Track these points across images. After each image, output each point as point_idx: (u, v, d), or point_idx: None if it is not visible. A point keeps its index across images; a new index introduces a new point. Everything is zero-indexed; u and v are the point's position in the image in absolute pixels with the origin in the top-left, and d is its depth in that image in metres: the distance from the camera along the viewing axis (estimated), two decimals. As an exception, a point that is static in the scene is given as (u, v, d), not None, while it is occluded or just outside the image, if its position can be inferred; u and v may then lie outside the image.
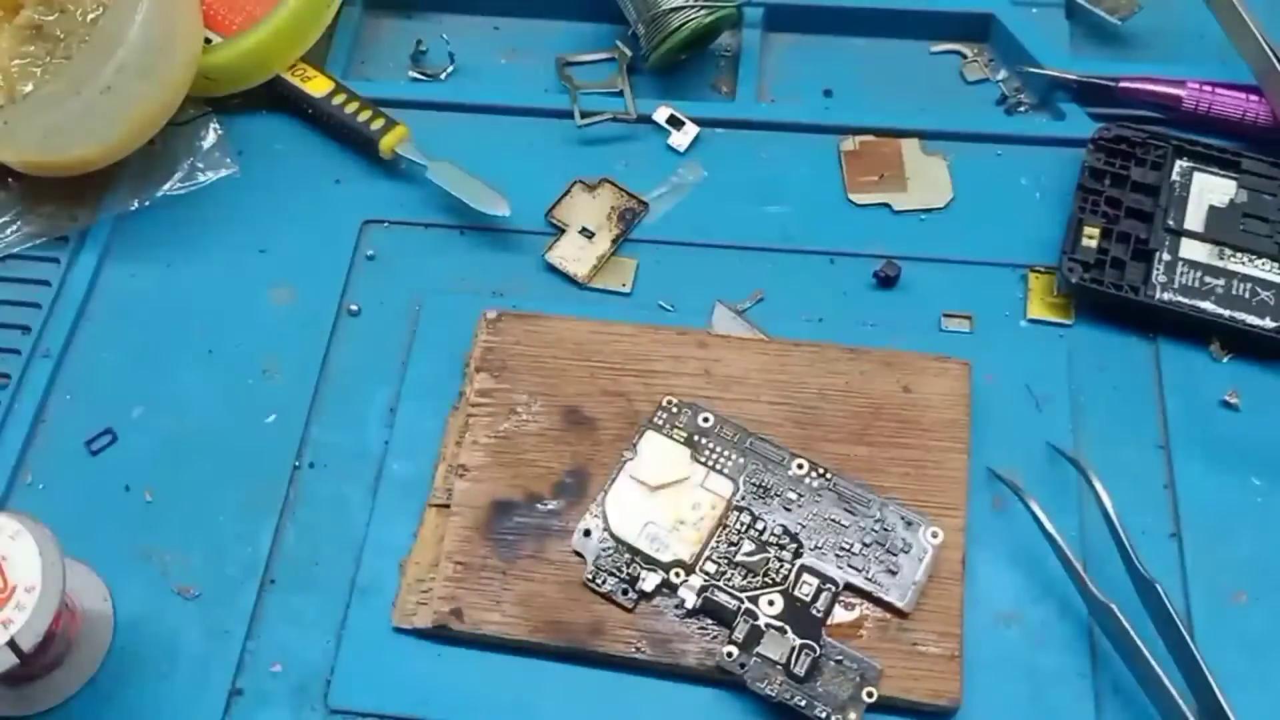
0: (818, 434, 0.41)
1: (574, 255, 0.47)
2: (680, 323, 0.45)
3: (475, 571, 0.39)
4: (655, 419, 0.40)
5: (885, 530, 0.38)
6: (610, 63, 0.52)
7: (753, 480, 0.39)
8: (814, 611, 0.37)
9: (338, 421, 0.44)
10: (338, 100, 0.50)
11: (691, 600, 0.38)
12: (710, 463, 0.40)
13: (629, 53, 0.51)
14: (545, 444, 0.41)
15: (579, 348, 0.43)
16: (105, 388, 0.45)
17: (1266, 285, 0.44)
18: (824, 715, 0.36)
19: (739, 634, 0.37)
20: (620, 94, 0.51)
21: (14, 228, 0.49)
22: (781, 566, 0.38)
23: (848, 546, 0.38)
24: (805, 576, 0.38)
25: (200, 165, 0.50)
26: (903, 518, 0.39)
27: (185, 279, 0.48)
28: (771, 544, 0.38)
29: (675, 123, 0.50)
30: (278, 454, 0.43)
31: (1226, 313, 0.43)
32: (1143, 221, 0.45)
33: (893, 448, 0.40)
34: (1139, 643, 0.35)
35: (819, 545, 0.38)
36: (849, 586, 0.38)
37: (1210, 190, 0.46)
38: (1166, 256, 0.44)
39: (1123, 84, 0.49)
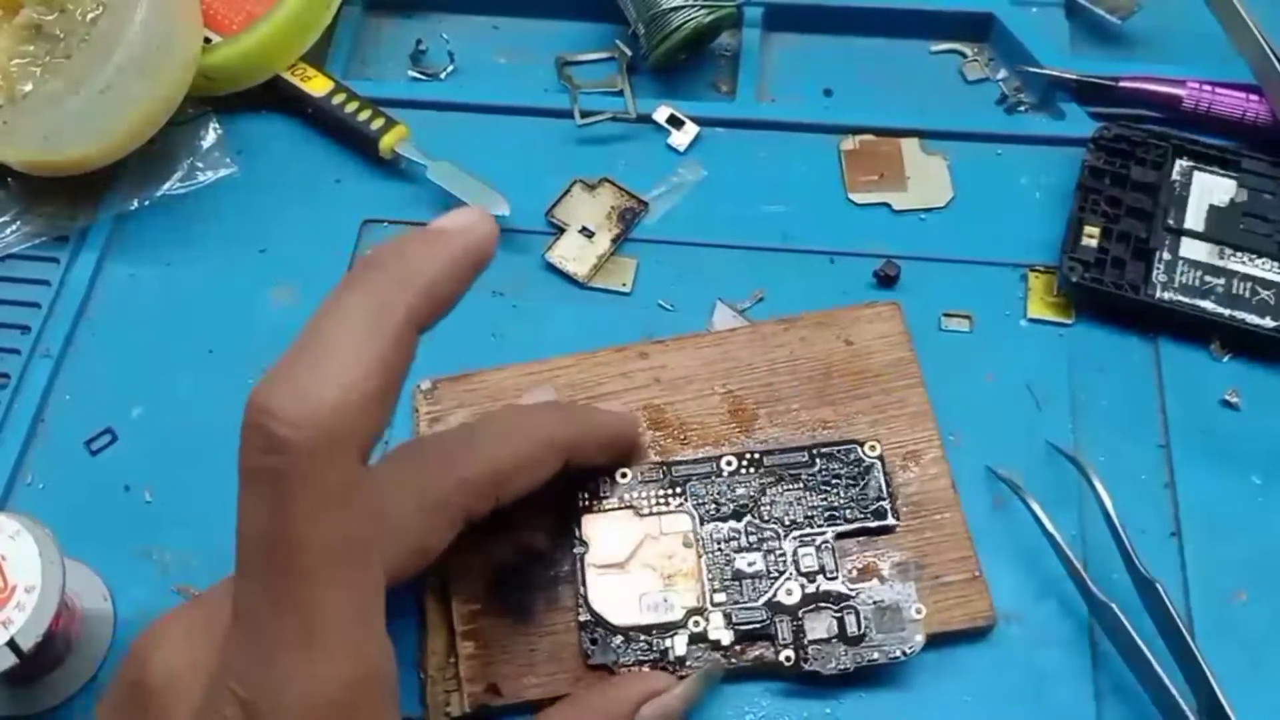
0: (780, 409, 0.41)
1: (574, 255, 0.47)
2: (681, 322, 0.45)
3: (495, 642, 0.38)
4: (580, 503, 0.39)
5: (831, 470, 0.39)
6: (610, 62, 0.52)
7: (700, 500, 0.39)
8: (828, 575, 0.38)
9: (338, 421, 0.44)
10: (337, 100, 0.50)
11: (726, 636, 0.37)
12: (654, 509, 0.39)
13: (629, 52, 0.51)
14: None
15: (524, 392, 0.42)
16: (105, 387, 0.45)
17: (1267, 284, 0.44)
18: (900, 654, 0.36)
19: (784, 636, 0.37)
20: (620, 93, 0.51)
21: (13, 227, 0.49)
22: (777, 556, 0.38)
23: (814, 504, 0.39)
24: (800, 551, 0.38)
25: (200, 165, 0.50)
26: (835, 453, 0.39)
27: (185, 279, 0.48)
28: (755, 543, 0.38)
29: (675, 122, 0.50)
30: (278, 454, 0.43)
31: (1227, 312, 0.43)
32: (1143, 221, 0.45)
33: (853, 400, 0.41)
34: (1139, 642, 0.35)
35: (793, 519, 0.39)
36: (840, 535, 0.38)
37: (1210, 189, 0.46)
38: (1167, 256, 0.44)
39: (1123, 83, 0.49)
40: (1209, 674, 0.35)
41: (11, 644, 0.34)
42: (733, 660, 0.37)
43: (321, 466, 0.25)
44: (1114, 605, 0.36)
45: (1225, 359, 0.43)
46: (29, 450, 0.44)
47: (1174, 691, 0.34)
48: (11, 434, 0.44)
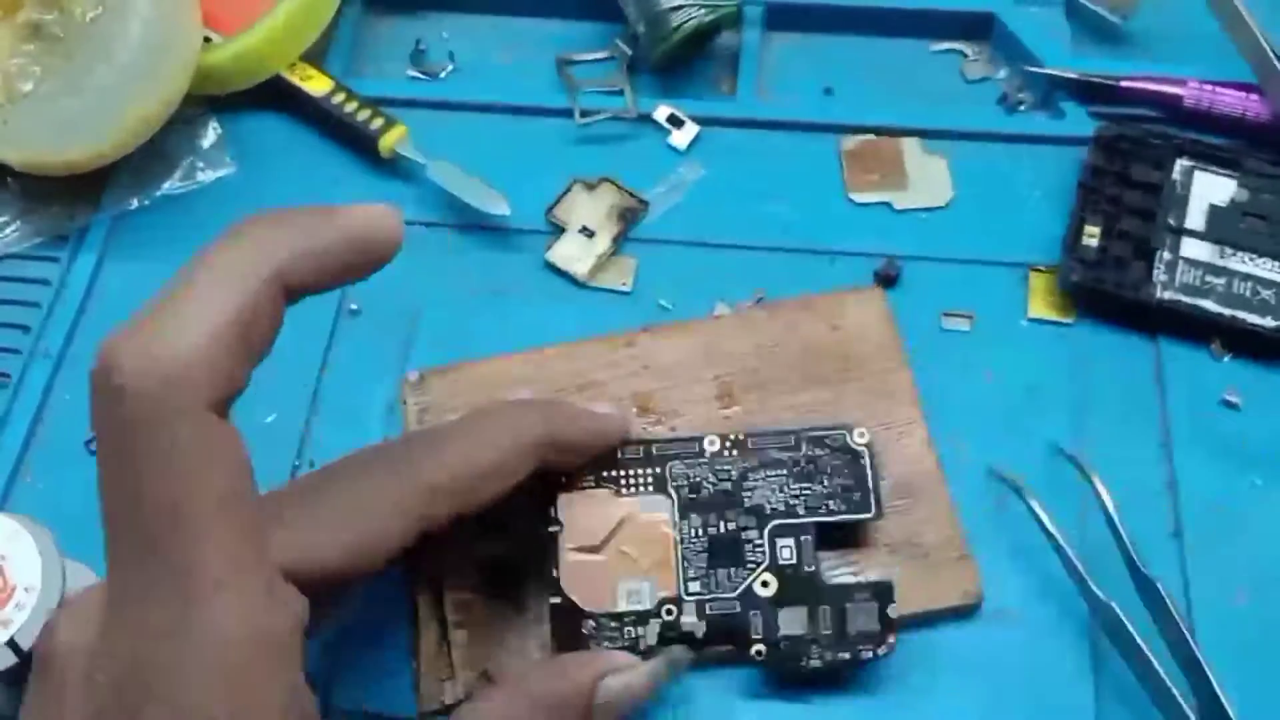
0: (767, 394, 0.41)
1: (574, 254, 0.47)
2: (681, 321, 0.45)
3: (488, 629, 0.38)
4: (558, 479, 0.38)
5: (816, 458, 0.38)
6: (610, 61, 0.52)
7: (680, 483, 0.38)
8: (806, 569, 0.37)
9: (338, 421, 0.44)
10: (337, 99, 0.50)
11: (700, 629, 0.36)
12: (633, 490, 0.38)
13: (629, 51, 0.51)
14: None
15: (513, 384, 0.42)
16: (105, 387, 0.45)
17: (1267, 284, 0.43)
18: (873, 654, 0.36)
19: (757, 631, 0.36)
20: (620, 93, 0.51)
21: (13, 227, 0.49)
22: (754, 546, 0.37)
23: (796, 491, 0.38)
24: (779, 542, 0.37)
25: (200, 164, 0.50)
26: (822, 438, 0.38)
27: (185, 278, 0.48)
28: (732, 531, 0.37)
29: (675, 121, 0.50)
30: (278, 454, 0.43)
31: (1228, 312, 0.43)
32: (1144, 220, 0.45)
33: (840, 384, 0.41)
34: (1139, 642, 0.35)
35: (774, 507, 0.38)
36: (822, 526, 0.37)
37: (1211, 189, 0.46)
38: (1167, 255, 0.44)
39: (1124, 83, 0.49)
40: (1209, 674, 0.35)
41: (11, 644, 0.34)
42: (703, 651, 0.36)
43: (166, 414, 0.24)
44: (1114, 605, 0.36)
45: (1226, 359, 0.43)
46: (29, 450, 0.44)
47: (1174, 691, 0.34)
48: (11, 434, 0.44)
